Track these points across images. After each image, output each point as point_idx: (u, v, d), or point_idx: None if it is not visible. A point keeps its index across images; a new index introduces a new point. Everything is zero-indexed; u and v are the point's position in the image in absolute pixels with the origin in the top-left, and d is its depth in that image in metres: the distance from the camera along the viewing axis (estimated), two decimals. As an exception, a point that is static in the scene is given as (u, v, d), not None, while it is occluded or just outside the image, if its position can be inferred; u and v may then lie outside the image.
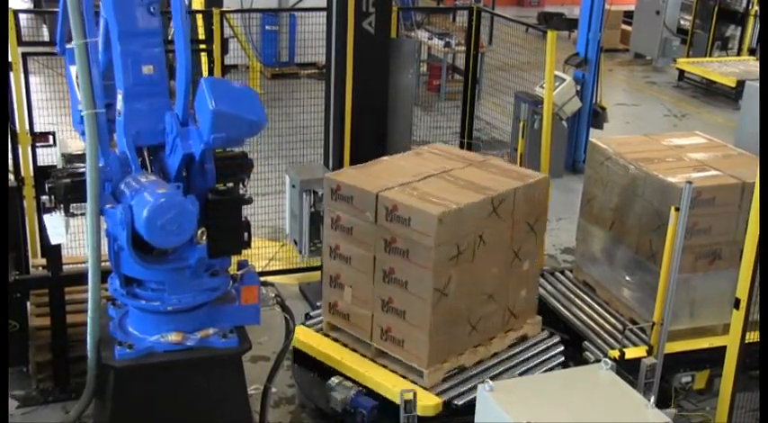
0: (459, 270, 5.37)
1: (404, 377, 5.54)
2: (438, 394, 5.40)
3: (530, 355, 5.93)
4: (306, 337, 6.01)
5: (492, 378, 5.39)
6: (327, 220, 5.79)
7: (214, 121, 4.35)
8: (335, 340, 5.97)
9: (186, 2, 12.81)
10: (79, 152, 5.06)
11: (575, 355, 6.14)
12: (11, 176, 6.76)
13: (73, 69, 4.72)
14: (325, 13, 7.00)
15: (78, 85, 4.51)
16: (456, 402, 5.37)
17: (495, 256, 5.60)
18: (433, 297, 5.28)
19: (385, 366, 5.67)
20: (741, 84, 13.34)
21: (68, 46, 4.90)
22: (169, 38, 5.02)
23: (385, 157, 6.23)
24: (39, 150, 6.84)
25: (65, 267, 5.93)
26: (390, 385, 5.48)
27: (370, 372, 5.63)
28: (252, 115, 4.47)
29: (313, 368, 5.95)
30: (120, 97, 4.72)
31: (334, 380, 5.66)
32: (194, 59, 7.58)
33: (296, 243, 6.99)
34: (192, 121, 4.56)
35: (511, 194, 5.56)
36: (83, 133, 4.62)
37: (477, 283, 5.55)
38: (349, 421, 5.54)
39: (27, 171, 6.75)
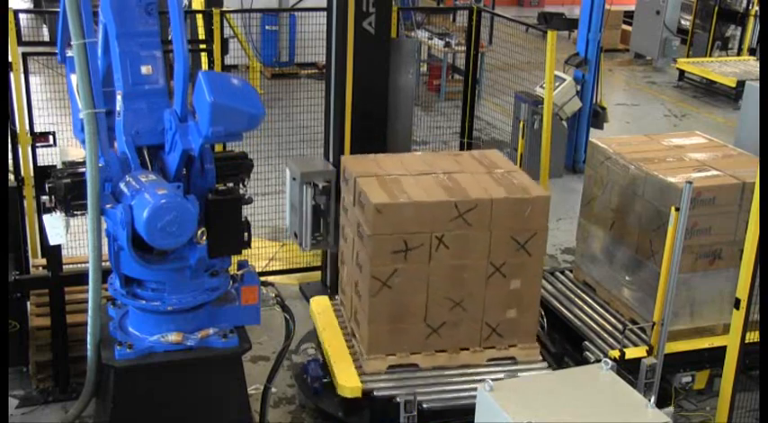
0: (409, 266, 5.41)
1: (355, 360, 5.69)
2: (366, 381, 5.46)
3: (501, 376, 5.59)
4: (317, 306, 6.32)
5: (442, 384, 5.55)
6: (342, 201, 6.10)
7: (212, 113, 4.33)
8: (341, 315, 6.22)
9: (186, 2, 12.84)
10: (80, 159, 5.06)
11: (575, 355, 6.14)
12: (11, 176, 6.76)
13: (73, 77, 4.73)
14: (325, 13, 7.00)
15: (78, 89, 4.52)
16: (377, 393, 5.40)
17: (463, 263, 5.52)
18: (371, 285, 5.39)
19: (352, 346, 5.83)
20: (741, 84, 13.35)
21: (69, 54, 4.90)
22: (169, 38, 5.04)
23: (419, 152, 6.31)
24: (39, 150, 6.84)
25: (65, 267, 5.93)
26: (333, 361, 5.65)
27: (333, 347, 5.79)
28: (250, 108, 4.46)
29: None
30: (119, 98, 4.72)
31: (306, 346, 5.90)
32: (194, 59, 7.59)
33: (296, 236, 6.97)
34: (192, 117, 4.56)
35: (485, 204, 5.45)
36: (83, 141, 4.62)
37: (436, 285, 5.51)
38: (302, 388, 5.73)
39: (27, 171, 6.75)
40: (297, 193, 6.78)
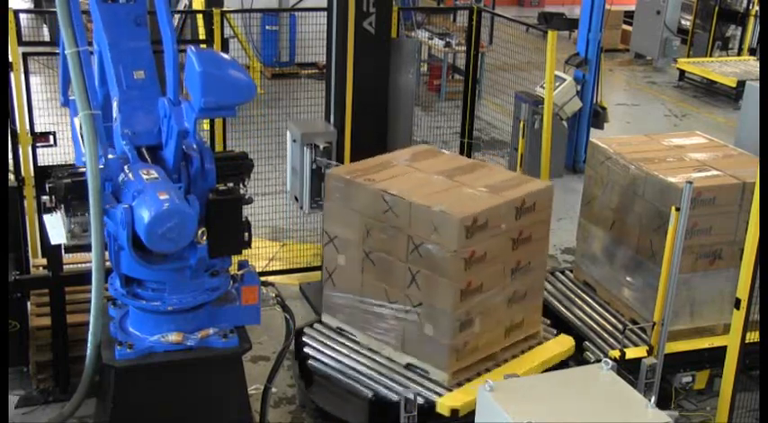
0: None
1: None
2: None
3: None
4: None
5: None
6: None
7: (203, 82, 4.36)
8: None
9: (187, 2, 12.84)
10: None
11: (575, 355, 6.14)
12: (11, 176, 6.76)
13: (77, 120, 4.84)
14: (325, 13, 7.00)
15: (81, 134, 4.57)
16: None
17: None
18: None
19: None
20: (741, 84, 13.35)
21: (71, 97, 4.99)
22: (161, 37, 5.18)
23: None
24: (39, 150, 6.84)
25: (65, 267, 5.93)
26: None
27: None
28: (239, 79, 4.50)
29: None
30: (115, 104, 4.80)
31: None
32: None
33: (296, 199, 6.95)
34: (185, 102, 4.61)
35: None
36: None
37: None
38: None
39: (27, 171, 6.74)
40: (297, 155, 6.76)
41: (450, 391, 5.37)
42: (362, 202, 5.61)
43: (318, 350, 5.83)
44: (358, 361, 5.70)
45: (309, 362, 5.75)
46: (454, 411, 5.17)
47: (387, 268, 5.55)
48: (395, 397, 5.31)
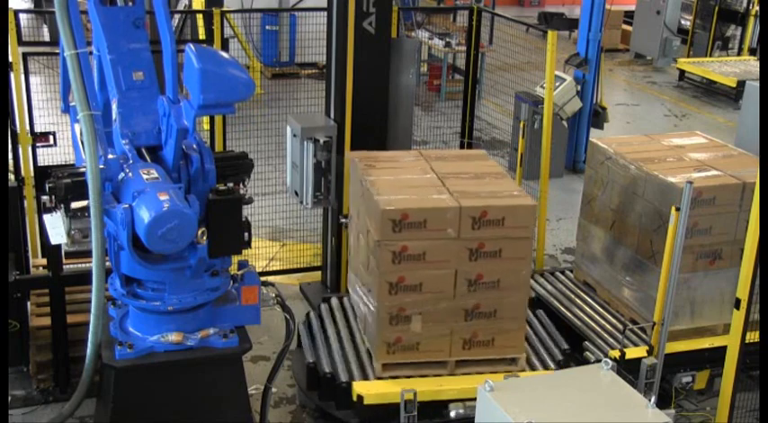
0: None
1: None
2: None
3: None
4: None
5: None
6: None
7: (202, 79, 4.36)
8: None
9: (187, 2, 12.84)
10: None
11: (575, 355, 6.14)
12: (11, 176, 6.76)
13: (77, 126, 4.82)
14: (325, 13, 7.00)
15: (81, 141, 4.57)
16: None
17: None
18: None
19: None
20: (741, 84, 13.36)
21: (72, 103, 5.00)
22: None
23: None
24: (39, 150, 6.84)
25: (65, 267, 5.93)
26: None
27: None
28: (237, 77, 4.50)
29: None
30: (114, 106, 4.81)
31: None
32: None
33: (296, 194, 6.97)
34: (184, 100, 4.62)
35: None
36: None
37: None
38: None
39: (27, 171, 6.75)
40: (298, 150, 6.78)
41: (378, 379, 5.54)
42: (356, 184, 5.93)
43: (320, 318, 6.27)
44: (336, 335, 6.03)
45: (299, 324, 6.01)
46: (360, 397, 5.37)
47: (363, 251, 5.81)
48: (327, 369, 5.65)
